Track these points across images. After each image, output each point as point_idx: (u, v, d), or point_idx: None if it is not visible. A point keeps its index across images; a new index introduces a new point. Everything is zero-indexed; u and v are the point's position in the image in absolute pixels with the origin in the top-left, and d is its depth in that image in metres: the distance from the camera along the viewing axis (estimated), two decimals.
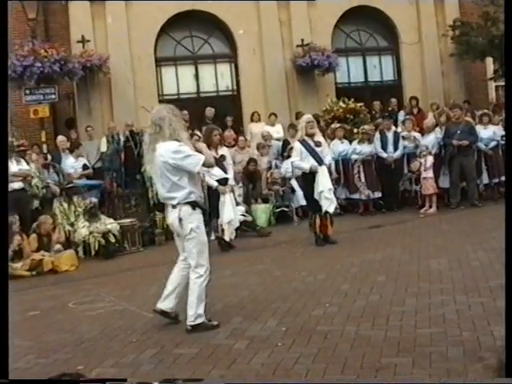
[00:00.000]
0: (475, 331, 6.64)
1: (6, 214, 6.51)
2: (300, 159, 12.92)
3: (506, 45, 5.98)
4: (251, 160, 16.97)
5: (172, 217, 7.56)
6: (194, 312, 7.42)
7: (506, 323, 5.14)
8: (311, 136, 12.89)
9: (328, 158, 13.28)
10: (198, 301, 7.44)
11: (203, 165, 7.45)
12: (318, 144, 12.90)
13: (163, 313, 7.77)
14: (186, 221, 7.42)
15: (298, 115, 19.98)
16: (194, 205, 7.42)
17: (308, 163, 12.78)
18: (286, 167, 17.02)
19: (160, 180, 7.51)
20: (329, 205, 12.92)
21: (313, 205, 13.11)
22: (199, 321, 7.43)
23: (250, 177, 16.78)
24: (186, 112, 19.09)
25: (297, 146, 13.09)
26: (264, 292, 9.32)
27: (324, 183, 12.79)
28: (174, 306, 7.80)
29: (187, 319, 7.47)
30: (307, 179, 13.15)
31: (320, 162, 12.80)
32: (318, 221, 12.97)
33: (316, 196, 12.83)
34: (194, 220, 7.43)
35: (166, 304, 7.76)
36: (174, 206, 7.49)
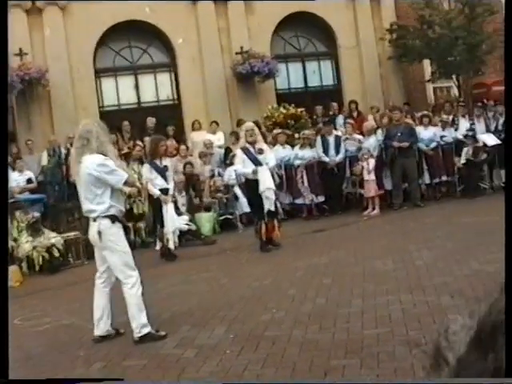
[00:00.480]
0: (421, 329, 6.73)
1: (6, 214, 6.43)
2: (242, 166, 13.08)
3: (506, 45, 6.04)
4: (187, 163, 16.93)
5: (92, 230, 7.60)
6: (138, 323, 7.39)
7: (505, 323, 5.19)
8: (252, 144, 12.99)
9: (272, 163, 13.33)
10: (138, 311, 7.42)
11: (125, 182, 7.55)
12: (260, 151, 12.97)
13: (103, 337, 7.70)
14: (106, 234, 7.46)
15: (240, 122, 20.03)
16: (113, 218, 7.45)
17: (250, 168, 12.92)
18: (228, 175, 17.04)
19: (84, 193, 7.59)
20: (270, 204, 12.99)
21: (257, 211, 13.20)
22: (145, 331, 7.39)
23: (191, 184, 16.71)
24: (127, 122, 19.08)
25: (238, 153, 13.25)
26: (211, 300, 9.32)
27: (265, 183, 12.86)
28: (110, 327, 7.79)
29: (133, 331, 7.42)
30: (250, 185, 13.27)
31: (260, 165, 12.94)
32: (263, 227, 12.96)
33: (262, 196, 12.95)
34: (114, 233, 7.47)
35: (101, 329, 7.72)
36: (94, 220, 7.51)
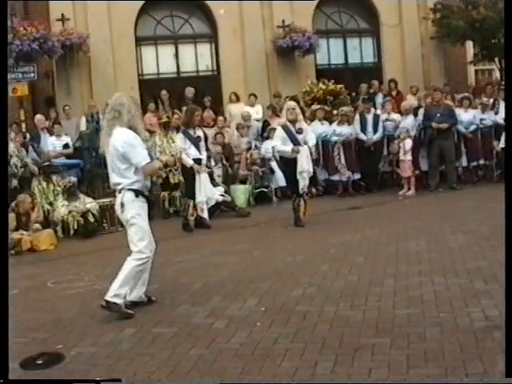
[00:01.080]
0: (453, 312, 6.71)
1: (6, 213, 6.49)
2: (282, 144, 12.95)
3: (506, 45, 5.97)
4: (218, 134, 16.91)
5: (117, 202, 7.67)
6: (115, 290, 7.40)
7: (505, 323, 5.19)
8: (293, 122, 12.93)
9: (311, 143, 13.21)
10: (124, 280, 7.42)
11: (144, 167, 7.48)
12: (300, 131, 12.94)
13: (135, 303, 7.74)
14: (128, 206, 7.48)
15: (276, 94, 20.02)
16: (137, 192, 7.48)
17: (289, 147, 12.85)
18: (265, 148, 17.01)
19: (110, 165, 7.59)
20: (304, 185, 13.08)
21: (294, 187, 13.20)
22: (115, 300, 7.37)
23: (224, 155, 16.69)
24: (165, 92, 19.14)
25: (278, 130, 13.17)
26: (243, 272, 9.34)
27: (302, 164, 12.88)
28: (143, 294, 7.85)
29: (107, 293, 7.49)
30: (288, 163, 13.19)
31: (298, 144, 12.90)
32: (301, 203, 13.04)
33: (297, 176, 12.93)
34: (136, 207, 7.49)
35: (134, 295, 7.75)
36: (119, 192, 7.55)
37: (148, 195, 7.79)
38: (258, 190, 16.64)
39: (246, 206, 15.87)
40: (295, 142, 12.84)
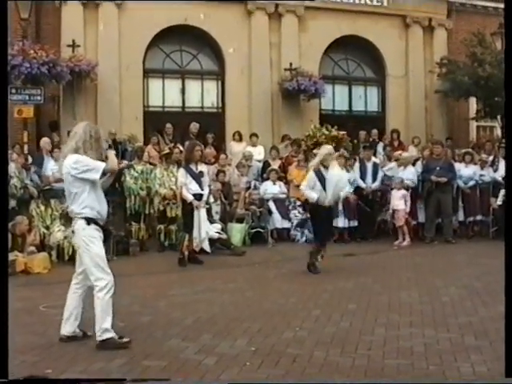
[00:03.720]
0: (442, 366, 6.72)
1: (7, 214, 6.52)
2: (310, 188, 12.52)
3: (507, 46, 6.02)
4: (220, 171, 16.97)
5: (71, 229, 7.68)
6: (99, 327, 7.37)
7: (505, 323, 5.21)
8: (326, 168, 12.48)
9: (344, 192, 13.51)
10: (103, 315, 7.38)
11: (104, 172, 7.37)
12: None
13: (68, 338, 7.69)
14: (79, 235, 7.47)
15: (284, 138, 20.13)
16: (88, 220, 7.40)
17: (316, 195, 12.43)
18: (264, 188, 17.16)
19: (66, 192, 7.61)
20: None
21: (323, 236, 12.89)
22: (106, 336, 7.36)
23: (223, 193, 16.74)
24: (169, 125, 19.24)
25: (311, 175, 12.59)
26: (235, 311, 9.35)
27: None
28: (77, 328, 7.76)
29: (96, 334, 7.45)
30: (320, 209, 12.59)
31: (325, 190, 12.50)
32: (321, 254, 12.72)
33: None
34: (87, 234, 7.42)
35: (66, 329, 7.72)
36: (73, 219, 7.55)
37: (102, 224, 7.61)
38: (254, 230, 16.69)
39: (241, 245, 15.91)
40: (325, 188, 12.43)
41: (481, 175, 17.65)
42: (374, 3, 22.79)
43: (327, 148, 13.10)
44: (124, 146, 18.06)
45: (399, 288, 10.97)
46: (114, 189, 15.94)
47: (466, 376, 6.36)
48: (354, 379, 6.32)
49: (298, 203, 17.40)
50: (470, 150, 18.86)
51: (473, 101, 23.50)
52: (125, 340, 7.47)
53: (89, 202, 7.39)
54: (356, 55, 23.66)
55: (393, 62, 23.31)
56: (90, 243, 7.42)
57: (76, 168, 7.28)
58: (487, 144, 20.55)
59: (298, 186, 17.42)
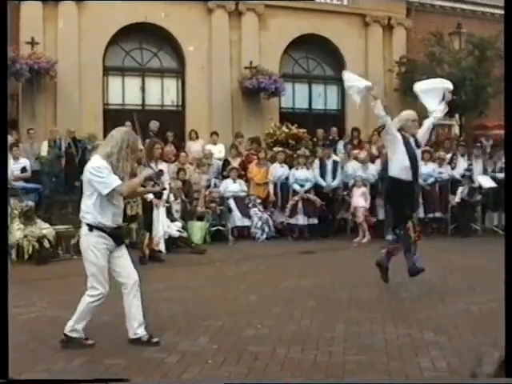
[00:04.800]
0: (402, 361, 6.80)
1: (6, 214, 6.46)
2: (404, 154, 10.15)
3: (506, 47, 6.08)
4: (180, 170, 16.94)
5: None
6: (72, 325, 7.35)
7: (505, 323, 5.26)
8: (413, 136, 10.33)
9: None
10: (80, 315, 7.34)
11: (114, 190, 7.13)
12: (418, 144, 10.50)
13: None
14: (82, 240, 7.39)
15: (238, 135, 20.15)
16: (90, 226, 7.26)
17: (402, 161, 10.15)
18: (225, 186, 17.19)
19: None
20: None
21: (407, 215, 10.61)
22: (73, 335, 7.34)
23: (184, 191, 16.72)
24: (129, 123, 19.11)
25: (400, 139, 10.19)
26: (196, 309, 9.35)
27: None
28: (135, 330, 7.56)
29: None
30: (400, 186, 10.40)
31: (416, 163, 10.34)
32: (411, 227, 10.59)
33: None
34: (88, 241, 7.30)
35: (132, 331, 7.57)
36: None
37: (105, 229, 7.31)
38: (214, 228, 16.69)
39: (201, 243, 15.93)
40: (412, 157, 10.19)
41: (439, 173, 17.86)
42: (334, 2, 22.95)
43: (410, 113, 10.66)
44: (84, 144, 17.95)
45: (359, 285, 11.03)
46: (74, 187, 15.94)
47: (426, 371, 6.44)
48: (315, 376, 6.37)
49: (258, 201, 17.47)
50: (428, 147, 19.02)
51: None
52: (90, 342, 7.41)
53: (93, 209, 7.23)
54: (316, 54, 23.78)
55: (352, 60, 23.42)
56: (88, 250, 7.29)
57: (92, 173, 7.13)
58: (446, 142, 20.82)
59: (257, 185, 17.56)
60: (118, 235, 7.48)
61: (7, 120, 6.42)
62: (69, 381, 5.51)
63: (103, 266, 7.32)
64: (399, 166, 10.14)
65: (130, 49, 21.61)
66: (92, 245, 7.28)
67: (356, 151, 18.75)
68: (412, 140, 10.21)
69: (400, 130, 10.22)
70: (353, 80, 10.77)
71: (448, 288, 10.49)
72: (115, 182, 7.10)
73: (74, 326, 7.35)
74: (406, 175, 10.12)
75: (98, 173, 7.12)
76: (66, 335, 7.37)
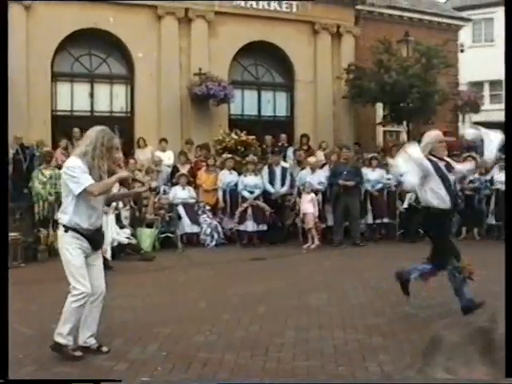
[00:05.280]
0: (351, 366, 6.85)
1: (6, 214, 6.35)
2: (420, 183, 9.20)
3: (506, 48, 6.13)
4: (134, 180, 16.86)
5: None
6: (57, 329, 7.27)
7: (506, 324, 5.30)
8: (441, 158, 9.36)
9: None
10: (64, 319, 7.25)
11: (86, 190, 7.05)
12: (450, 169, 9.67)
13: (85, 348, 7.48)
14: (59, 240, 7.40)
15: (188, 141, 20.12)
16: (65, 227, 7.24)
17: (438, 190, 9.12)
18: (174, 193, 17.16)
19: None
20: None
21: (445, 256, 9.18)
22: (58, 339, 7.23)
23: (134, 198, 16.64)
24: (77, 129, 18.99)
25: (426, 164, 9.07)
26: (145, 316, 9.33)
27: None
28: (87, 339, 7.51)
29: None
30: (439, 217, 9.23)
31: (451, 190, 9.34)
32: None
33: None
34: (63, 241, 7.28)
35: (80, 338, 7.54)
36: None
37: (80, 230, 7.25)
38: (163, 235, 16.66)
39: (151, 250, 15.88)
40: (446, 183, 9.21)
41: (387, 179, 18.03)
42: (284, 9, 23.02)
43: (436, 133, 9.85)
44: (32, 150, 17.77)
45: (308, 291, 11.08)
46: (22, 194, 15.76)
47: (374, 376, 6.50)
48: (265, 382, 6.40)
49: (208, 208, 17.47)
50: (376, 154, 19.23)
51: (379, 106, 23.99)
52: (76, 354, 7.25)
53: (68, 210, 7.20)
54: (265, 61, 23.86)
55: (301, 67, 23.58)
56: (63, 250, 7.26)
57: (66, 173, 7.12)
58: (393, 148, 20.99)
59: (206, 191, 17.56)
60: (94, 238, 7.42)
61: (7, 120, 6.35)
62: (60, 381, 5.44)
63: (79, 265, 7.25)
64: (436, 195, 9.13)
65: (78, 55, 21.44)
66: (67, 244, 7.25)
67: (306, 157, 18.85)
68: (442, 164, 9.27)
69: (429, 153, 9.22)
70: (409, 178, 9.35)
71: (396, 293, 10.55)
72: (87, 181, 7.05)
73: (59, 329, 7.25)
74: (444, 204, 9.12)
75: (71, 172, 7.09)
76: (54, 343, 7.26)
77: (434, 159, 9.13)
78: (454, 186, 9.58)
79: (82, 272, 7.26)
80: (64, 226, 7.25)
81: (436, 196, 9.10)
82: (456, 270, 8.91)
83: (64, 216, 7.25)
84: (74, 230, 7.24)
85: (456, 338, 1.00)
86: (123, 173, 7.79)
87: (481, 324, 0.97)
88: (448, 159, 9.52)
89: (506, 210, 6.20)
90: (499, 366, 0.90)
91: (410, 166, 9.06)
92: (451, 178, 9.34)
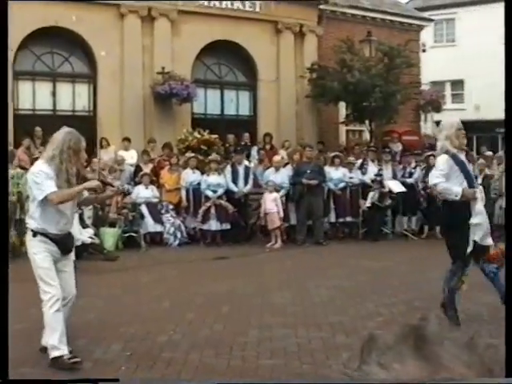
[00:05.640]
0: (314, 364, 6.90)
1: (7, 214, 6.28)
2: (446, 179, 8.55)
3: (507, 48, 6.15)
4: (104, 183, 16.78)
5: None
6: (49, 343, 7.04)
7: (506, 324, 5.34)
8: (461, 148, 8.80)
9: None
10: (50, 331, 7.05)
11: (47, 198, 6.94)
12: (470, 160, 9.46)
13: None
14: (27, 245, 7.29)
15: (151, 140, 20.08)
16: (33, 231, 7.13)
17: (459, 185, 8.53)
18: (137, 192, 17.10)
19: None
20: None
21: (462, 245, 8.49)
22: (54, 354, 6.97)
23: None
24: (39, 128, 18.88)
25: (443, 159, 8.68)
26: (109, 316, 9.30)
27: (482, 213, 8.57)
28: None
29: None
30: (461, 211, 8.55)
31: (473, 183, 8.81)
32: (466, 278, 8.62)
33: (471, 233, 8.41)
34: (31, 246, 7.18)
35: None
36: None
37: (52, 236, 7.15)
38: (127, 235, 16.61)
39: (114, 249, 15.80)
40: (468, 177, 8.70)
41: (350, 177, 18.14)
42: (247, 9, 23.05)
43: (454, 122, 9.09)
44: None
45: (272, 290, 11.13)
46: None
47: (337, 374, 6.55)
48: (229, 381, 6.41)
49: (171, 207, 17.44)
50: (338, 153, 19.33)
51: (342, 106, 24.10)
52: (75, 360, 7.02)
53: (36, 214, 7.09)
54: (228, 60, 23.87)
55: (264, 66, 23.62)
56: (31, 254, 7.12)
57: (31, 178, 7.03)
58: (356, 147, 21.20)
59: (169, 191, 17.53)
60: (63, 242, 7.29)
61: (7, 120, 6.28)
62: (59, 381, 5.41)
63: (48, 268, 7.11)
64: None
65: (40, 53, 21.29)
66: (34, 248, 7.12)
67: (269, 157, 18.92)
68: (463, 156, 8.77)
69: (447, 142, 8.65)
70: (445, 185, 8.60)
71: (359, 291, 10.65)
72: (48, 188, 6.92)
73: (50, 343, 7.02)
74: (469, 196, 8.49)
75: (35, 178, 7.00)
76: (50, 359, 7.01)
77: (455, 152, 8.58)
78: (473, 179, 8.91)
79: (51, 275, 7.11)
80: (32, 230, 7.16)
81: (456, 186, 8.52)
82: (456, 277, 8.52)
83: (31, 221, 7.17)
84: (42, 234, 7.14)
85: (390, 335, 1.05)
86: (92, 183, 7.55)
87: (413, 322, 1.02)
88: (466, 148, 9.09)
89: (506, 209, 6.24)
90: (431, 361, 0.94)
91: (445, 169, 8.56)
92: (471, 169, 8.90)
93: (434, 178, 8.67)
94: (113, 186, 8.47)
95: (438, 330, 1.07)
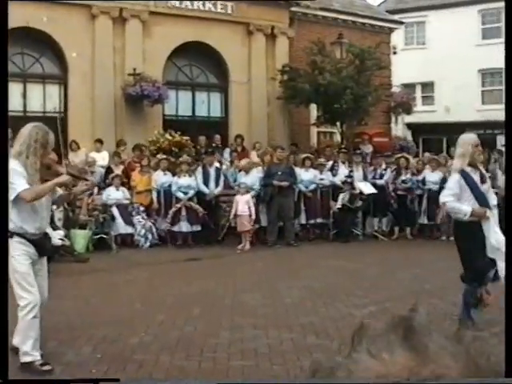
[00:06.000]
0: (285, 365, 6.93)
1: (7, 214, 6.18)
2: (457, 198, 8.40)
3: (507, 48, 6.18)
4: (75, 177, 16.69)
5: None
6: (21, 349, 6.94)
7: (505, 324, 5.36)
8: (475, 166, 8.57)
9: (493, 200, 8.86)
10: (23, 337, 6.94)
11: (20, 196, 6.77)
12: (484, 179, 8.78)
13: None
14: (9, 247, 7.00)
15: (120, 143, 20.02)
16: (11, 232, 6.86)
17: (468, 205, 8.31)
18: (107, 194, 17.05)
19: None
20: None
21: (480, 270, 8.26)
22: (26, 359, 6.91)
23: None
24: (10, 130, 18.70)
25: (455, 179, 8.54)
26: (79, 318, 9.27)
27: (498, 235, 8.06)
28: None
29: None
30: (470, 230, 8.30)
31: (485, 203, 8.43)
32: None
33: (490, 253, 8.06)
34: (11, 248, 6.85)
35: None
36: None
37: (30, 237, 7.01)
38: (97, 236, 16.54)
39: (84, 251, 15.72)
40: (478, 196, 8.43)
41: (321, 179, 18.21)
42: (219, 10, 23.04)
43: (471, 138, 8.78)
44: None
45: (243, 291, 11.16)
46: None
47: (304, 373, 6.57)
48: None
49: (142, 208, 17.42)
50: (309, 155, 19.40)
51: (313, 107, 24.16)
52: (47, 367, 6.92)
53: (12, 215, 6.81)
54: (200, 61, 23.84)
55: (236, 68, 23.62)
56: (11, 258, 6.80)
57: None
58: (327, 149, 21.29)
59: (140, 192, 17.49)
60: (40, 243, 7.14)
61: (8, 120, 6.19)
62: (59, 381, 5.38)
63: (26, 272, 6.92)
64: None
65: (11, 54, 21.07)
66: (12, 251, 6.84)
67: (240, 158, 18.95)
68: (476, 176, 8.50)
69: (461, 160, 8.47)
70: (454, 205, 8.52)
71: (329, 292, 10.70)
72: (19, 187, 6.76)
73: (22, 349, 6.91)
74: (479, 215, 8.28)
75: (10, 175, 6.71)
76: (20, 363, 6.92)
77: (468, 171, 8.38)
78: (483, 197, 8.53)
79: (29, 280, 6.94)
80: (9, 231, 6.89)
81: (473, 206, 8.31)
82: (473, 294, 8.29)
83: (8, 221, 7.02)
84: (19, 235, 6.96)
85: (379, 325, 1.07)
86: (62, 177, 7.25)
87: (402, 313, 1.03)
88: (481, 168, 8.84)
89: (506, 209, 6.27)
90: (419, 351, 0.95)
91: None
92: (484, 189, 8.58)
93: (444, 196, 8.58)
94: (86, 180, 8.35)
95: (426, 321, 1.10)
